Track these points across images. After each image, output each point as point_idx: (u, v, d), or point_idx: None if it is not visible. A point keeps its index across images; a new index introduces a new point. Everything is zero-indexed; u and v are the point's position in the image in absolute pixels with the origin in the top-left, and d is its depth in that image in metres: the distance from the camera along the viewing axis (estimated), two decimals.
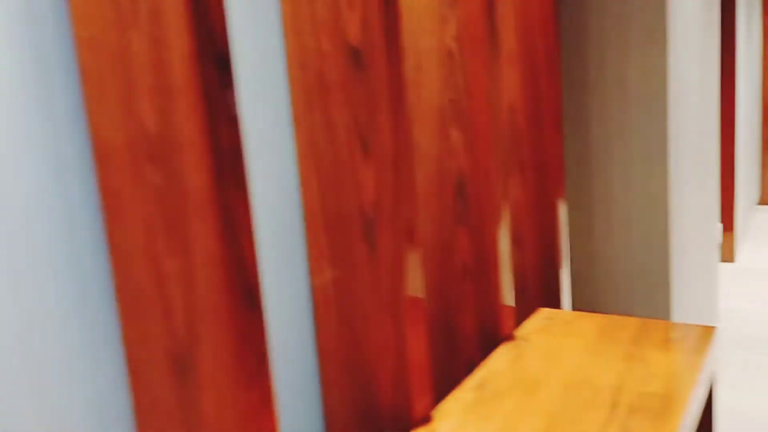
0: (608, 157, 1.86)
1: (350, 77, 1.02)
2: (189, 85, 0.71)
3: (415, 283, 1.08)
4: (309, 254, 1.09)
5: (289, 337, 1.08)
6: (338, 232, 1.07)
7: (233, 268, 0.75)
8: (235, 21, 0.96)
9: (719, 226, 3.05)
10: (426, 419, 1.11)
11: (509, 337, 1.41)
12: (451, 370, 1.45)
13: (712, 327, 1.37)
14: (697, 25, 2.20)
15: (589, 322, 1.46)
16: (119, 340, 0.83)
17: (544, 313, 1.53)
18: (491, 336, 1.39)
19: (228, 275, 0.75)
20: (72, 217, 0.77)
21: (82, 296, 0.78)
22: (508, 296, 1.40)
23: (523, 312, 1.72)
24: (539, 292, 1.73)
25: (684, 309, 2.08)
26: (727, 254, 4.05)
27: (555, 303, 1.72)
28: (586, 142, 1.87)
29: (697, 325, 1.38)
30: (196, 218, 0.74)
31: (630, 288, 1.90)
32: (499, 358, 1.32)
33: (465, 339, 1.41)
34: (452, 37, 1.28)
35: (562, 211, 1.71)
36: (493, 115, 1.33)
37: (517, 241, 1.70)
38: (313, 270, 1.09)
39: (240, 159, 0.76)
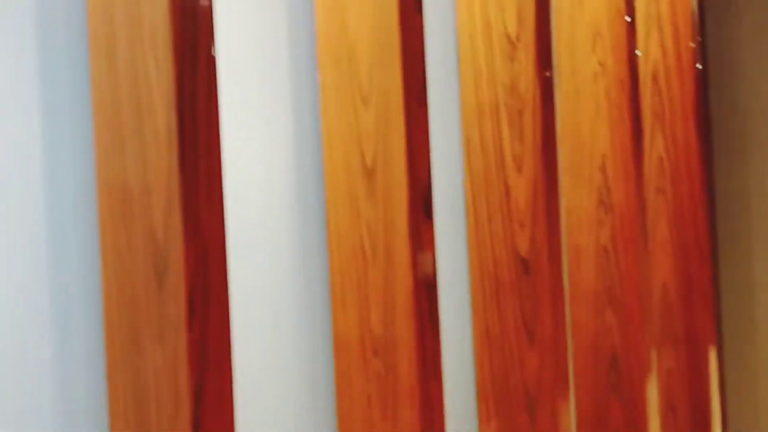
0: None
1: (519, 280, 1.30)
2: (407, 303, 1.03)
3: None
4: (479, 419, 1.34)
5: None
6: (505, 405, 1.32)
7: None
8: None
9: None
10: None
11: None
12: None
13: None
14: None
15: None
16: None
17: None
18: None
19: None
20: (312, 395, 1.10)
21: None
22: None
23: None
24: None
25: None
26: None
27: None
28: (748, 316, 1.99)
29: None
30: (403, 397, 1.04)
31: None
32: None
33: None
34: (607, 236, 1.54)
35: (715, 379, 1.83)
36: (643, 299, 1.54)
37: (671, 409, 1.84)
38: None
39: (438, 354, 1.06)
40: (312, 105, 1.11)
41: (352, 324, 1.08)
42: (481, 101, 1.32)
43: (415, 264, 1.02)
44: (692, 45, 1.84)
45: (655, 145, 1.82)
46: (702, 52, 1.91)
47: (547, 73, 1.28)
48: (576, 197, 1.56)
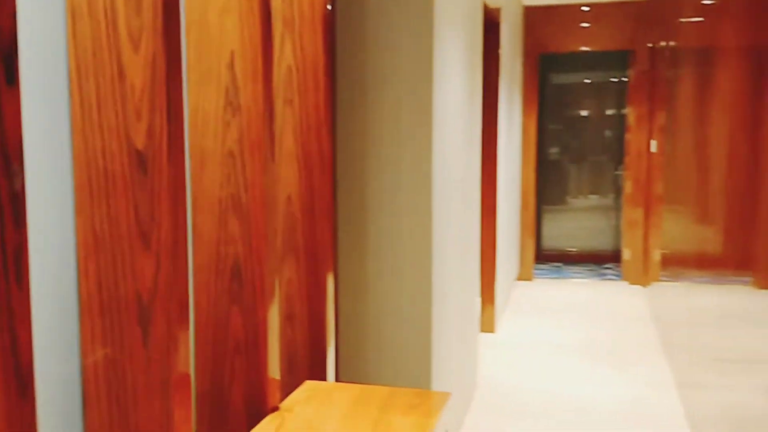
0: (380, 245, 2.11)
1: (134, 177, 1.14)
2: None
3: (185, 362, 1.19)
4: (82, 336, 1.17)
5: (59, 416, 1.14)
6: (114, 316, 1.16)
7: (8, 357, 0.83)
8: (26, 118, 1.05)
9: (478, 300, 3.46)
10: None
11: (275, 409, 1.55)
12: None
13: (447, 393, 1.62)
14: (461, 117, 2.58)
15: (346, 392, 1.65)
16: None
17: (308, 385, 1.70)
18: (258, 408, 1.53)
19: (2, 364, 0.83)
20: None
21: None
22: (275, 370, 1.55)
23: (294, 384, 1.88)
24: (309, 366, 1.89)
25: (445, 377, 2.37)
26: (489, 326, 4.54)
27: (323, 375, 1.89)
28: (362, 232, 2.11)
29: (434, 392, 1.62)
30: None
31: (396, 359, 2.14)
32: (263, 429, 1.46)
33: (234, 411, 1.53)
34: (234, 140, 1.45)
35: (331, 290, 1.91)
36: (268, 207, 1.50)
37: (289, 319, 1.87)
38: (85, 351, 1.17)
39: (24, 257, 0.85)
40: None
41: None
42: None
43: None
44: None
45: (284, 54, 1.78)
46: None
47: None
48: (202, 94, 1.43)
